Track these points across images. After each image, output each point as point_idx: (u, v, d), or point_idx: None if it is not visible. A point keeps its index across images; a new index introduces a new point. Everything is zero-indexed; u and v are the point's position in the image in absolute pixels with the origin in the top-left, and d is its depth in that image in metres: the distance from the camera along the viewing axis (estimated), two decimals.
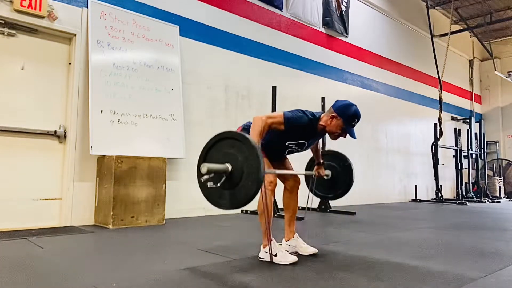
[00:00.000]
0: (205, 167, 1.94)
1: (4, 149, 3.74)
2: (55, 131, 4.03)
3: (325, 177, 2.91)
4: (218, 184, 1.98)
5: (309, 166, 3.11)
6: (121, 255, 2.60)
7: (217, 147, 2.10)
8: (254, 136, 2.25)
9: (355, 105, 2.47)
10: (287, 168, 2.74)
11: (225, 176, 1.98)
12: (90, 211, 4.07)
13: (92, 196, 4.10)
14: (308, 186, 2.99)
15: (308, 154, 2.85)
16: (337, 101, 2.51)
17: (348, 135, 2.48)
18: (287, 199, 2.75)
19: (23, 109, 3.89)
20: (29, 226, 3.75)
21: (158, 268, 2.24)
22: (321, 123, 2.50)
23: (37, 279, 1.99)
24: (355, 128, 2.48)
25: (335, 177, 2.98)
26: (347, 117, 2.42)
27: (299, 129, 2.46)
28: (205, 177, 1.98)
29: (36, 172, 3.90)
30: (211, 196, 2.07)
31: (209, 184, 2.00)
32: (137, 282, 1.95)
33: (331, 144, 2.91)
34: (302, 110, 2.51)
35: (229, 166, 1.99)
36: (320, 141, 2.86)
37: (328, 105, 5.69)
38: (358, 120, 2.46)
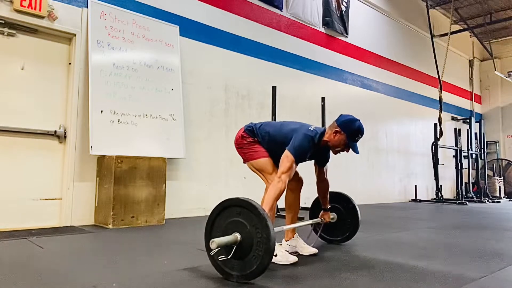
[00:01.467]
0: (214, 244, 1.87)
1: (4, 149, 3.74)
2: (55, 131, 4.03)
3: (331, 221, 2.92)
4: (230, 256, 1.93)
5: (313, 211, 3.13)
6: (121, 255, 2.60)
7: (224, 215, 2.04)
8: (271, 200, 2.23)
9: (359, 120, 2.46)
10: None
11: (235, 247, 1.93)
12: (90, 211, 4.07)
13: (92, 196, 4.10)
14: (315, 232, 2.98)
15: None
16: (340, 115, 2.50)
17: (351, 150, 2.48)
18: (290, 199, 2.74)
19: (23, 109, 3.89)
20: (29, 226, 3.75)
21: (158, 268, 2.24)
22: (324, 138, 2.49)
23: (37, 279, 1.99)
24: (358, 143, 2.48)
25: (341, 219, 2.99)
26: (350, 132, 2.42)
27: (305, 155, 2.46)
28: (215, 250, 1.93)
29: (36, 172, 3.90)
30: (221, 268, 2.01)
31: (220, 258, 1.96)
32: (137, 282, 1.95)
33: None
34: (305, 134, 2.43)
35: (238, 236, 1.93)
36: (329, 183, 2.82)
37: (328, 105, 5.72)
38: (362, 136, 2.45)
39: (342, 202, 3.03)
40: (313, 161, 2.75)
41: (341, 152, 2.53)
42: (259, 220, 1.89)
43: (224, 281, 1.97)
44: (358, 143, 2.48)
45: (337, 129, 2.44)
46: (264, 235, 1.86)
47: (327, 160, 2.73)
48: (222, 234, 1.98)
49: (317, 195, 2.91)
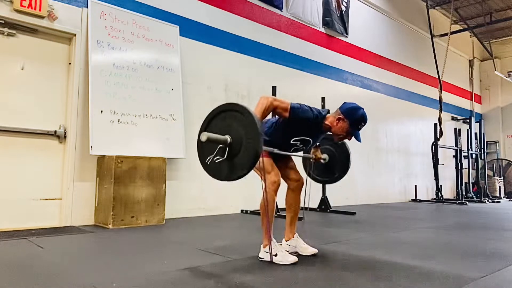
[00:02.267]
0: (204, 136, 1.95)
1: (4, 149, 3.74)
2: (55, 131, 4.03)
3: (322, 161, 2.91)
4: (225, 156, 2.01)
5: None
6: (121, 255, 2.60)
7: (218, 119, 2.11)
8: (256, 113, 2.23)
9: (363, 109, 2.45)
10: (291, 169, 2.72)
11: (227, 148, 2.00)
12: (90, 211, 4.07)
13: (92, 196, 4.10)
14: (305, 170, 2.98)
15: None
16: (344, 103, 2.49)
17: (353, 137, 2.47)
18: (290, 199, 2.74)
19: (23, 109, 3.89)
20: (29, 226, 3.75)
21: (158, 268, 2.24)
22: (326, 122, 2.47)
23: (37, 279, 1.99)
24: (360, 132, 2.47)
25: (332, 161, 2.97)
26: (354, 120, 2.41)
27: (303, 123, 2.42)
28: (210, 157, 2.02)
29: (36, 172, 3.90)
30: (210, 168, 2.10)
31: (216, 159, 2.03)
32: (137, 282, 1.95)
33: None
34: (308, 106, 2.47)
35: (228, 138, 2.01)
36: None
37: (328, 105, 5.72)
38: (365, 124, 2.44)
39: (336, 146, 2.99)
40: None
41: (343, 140, 2.52)
42: (249, 122, 1.97)
43: (224, 281, 1.97)
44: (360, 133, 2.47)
45: (341, 116, 2.43)
46: (253, 135, 1.94)
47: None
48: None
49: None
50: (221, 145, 2.01)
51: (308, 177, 2.92)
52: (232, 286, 1.90)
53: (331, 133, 2.54)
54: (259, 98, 2.34)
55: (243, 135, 1.98)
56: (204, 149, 2.11)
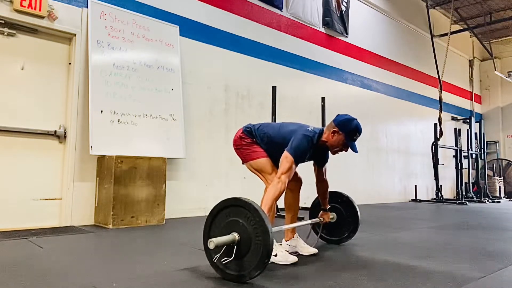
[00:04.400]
0: (212, 243, 1.87)
1: (4, 149, 3.74)
2: (55, 131, 4.03)
3: (331, 221, 2.92)
4: (232, 257, 1.92)
5: (313, 211, 3.11)
6: (121, 255, 2.60)
7: (222, 214, 2.04)
8: (270, 200, 2.23)
9: (356, 119, 2.46)
10: None
11: (235, 247, 1.92)
12: (90, 211, 4.07)
13: (92, 196, 4.10)
14: (314, 231, 2.97)
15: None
16: (338, 115, 2.50)
17: (350, 149, 2.48)
18: (289, 199, 2.74)
19: (23, 109, 3.89)
20: (29, 226, 3.75)
21: (158, 268, 2.24)
22: (322, 138, 2.49)
23: (37, 279, 1.99)
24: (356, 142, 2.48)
25: (341, 219, 2.98)
26: (348, 131, 2.42)
27: (304, 155, 2.45)
28: (217, 256, 1.94)
29: (36, 172, 3.90)
30: (224, 273, 1.99)
31: (224, 260, 1.95)
32: (137, 282, 1.95)
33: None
34: (304, 135, 2.43)
35: (236, 236, 1.93)
36: (328, 183, 2.82)
37: (328, 105, 5.72)
38: (360, 134, 2.45)
39: (341, 202, 3.03)
40: (312, 161, 2.75)
41: (339, 152, 2.53)
42: (248, 209, 1.91)
43: (224, 281, 1.97)
44: (356, 142, 2.48)
45: (335, 129, 2.44)
46: (257, 219, 1.88)
47: (326, 161, 2.73)
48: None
49: (317, 195, 2.91)
50: (228, 245, 1.93)
51: (318, 238, 2.92)
52: (232, 286, 1.90)
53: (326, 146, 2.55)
54: (273, 182, 2.30)
55: (251, 233, 1.90)
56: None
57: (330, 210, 2.92)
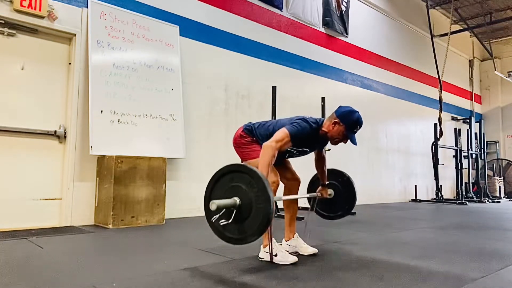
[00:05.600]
0: (214, 205, 1.92)
1: (4, 149, 3.74)
2: (55, 131, 4.03)
3: (328, 197, 2.90)
4: (230, 220, 1.95)
5: (311, 187, 3.09)
6: (121, 255, 2.60)
7: (225, 178, 2.07)
8: (265, 167, 2.23)
9: (358, 112, 2.46)
10: (288, 169, 2.74)
11: (235, 211, 1.96)
12: (90, 211, 4.07)
13: (92, 196, 4.10)
14: (309, 203, 2.96)
15: (310, 158, 2.82)
16: (340, 107, 2.50)
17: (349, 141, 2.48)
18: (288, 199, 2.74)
19: (23, 109, 3.88)
20: (29, 226, 3.75)
21: (158, 268, 2.24)
22: (323, 128, 2.49)
23: (37, 279, 1.99)
24: (356, 134, 2.48)
25: (337, 195, 2.96)
26: (349, 123, 2.42)
27: (303, 138, 2.45)
28: (215, 216, 1.96)
29: (36, 172, 3.90)
30: (221, 234, 2.04)
31: (222, 222, 1.97)
32: (137, 282, 1.95)
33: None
34: (304, 119, 2.46)
35: (237, 200, 1.96)
36: (327, 161, 2.83)
37: (328, 105, 5.71)
38: (360, 127, 2.45)
39: (341, 181, 2.99)
40: (311, 160, 2.75)
41: (339, 143, 2.53)
42: (252, 176, 1.94)
43: (224, 281, 1.97)
44: (356, 142, 2.48)
45: (336, 120, 2.44)
46: (260, 186, 1.91)
47: (325, 145, 2.74)
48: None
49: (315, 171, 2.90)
50: (228, 208, 1.96)
51: (311, 211, 2.92)
52: (232, 286, 1.90)
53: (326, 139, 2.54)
54: (262, 148, 2.31)
55: (253, 199, 1.93)
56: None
57: (329, 187, 2.91)
